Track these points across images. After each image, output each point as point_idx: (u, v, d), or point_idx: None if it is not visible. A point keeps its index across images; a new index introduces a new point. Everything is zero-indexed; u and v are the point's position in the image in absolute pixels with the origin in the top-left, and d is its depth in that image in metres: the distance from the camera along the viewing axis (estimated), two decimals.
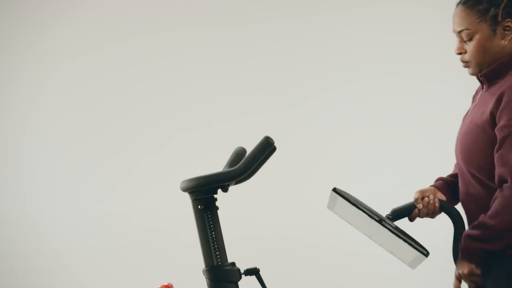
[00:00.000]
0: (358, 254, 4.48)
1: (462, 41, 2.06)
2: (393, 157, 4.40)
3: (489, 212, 1.97)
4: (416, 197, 2.16)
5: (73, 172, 4.77)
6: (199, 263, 2.21)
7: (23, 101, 4.81)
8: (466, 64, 2.09)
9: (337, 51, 4.66)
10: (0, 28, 4.82)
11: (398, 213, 2.09)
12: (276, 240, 4.58)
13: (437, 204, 2.10)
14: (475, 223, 2.01)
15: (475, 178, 2.05)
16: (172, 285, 2.32)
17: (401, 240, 1.98)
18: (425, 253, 1.98)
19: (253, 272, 2.21)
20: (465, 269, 2.04)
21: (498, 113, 1.97)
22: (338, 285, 4.40)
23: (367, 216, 1.99)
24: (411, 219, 2.17)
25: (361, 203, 2.05)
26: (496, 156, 1.96)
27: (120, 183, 4.74)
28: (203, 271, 2.18)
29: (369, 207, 2.07)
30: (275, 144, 2.16)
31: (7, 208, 4.77)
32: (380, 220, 2.00)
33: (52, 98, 4.80)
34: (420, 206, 2.09)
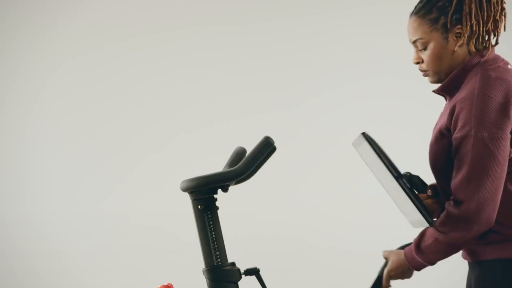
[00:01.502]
0: (358, 254, 4.48)
1: (418, 50, 2.07)
2: (393, 157, 4.40)
3: (448, 231, 1.96)
4: (430, 184, 2.15)
5: (73, 172, 4.77)
6: (199, 263, 2.21)
7: (23, 101, 4.81)
8: (425, 73, 2.09)
9: (337, 51, 4.66)
10: (0, 28, 4.83)
11: (414, 181, 2.06)
12: (276, 240, 4.58)
13: (435, 205, 2.10)
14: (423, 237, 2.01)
15: (442, 186, 2.06)
16: (172, 285, 2.32)
17: (411, 201, 1.97)
18: (430, 222, 1.97)
19: (253, 272, 2.21)
20: (406, 275, 2.12)
21: (453, 122, 1.97)
22: (338, 285, 4.40)
23: (386, 169, 1.98)
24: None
25: (385, 155, 2.02)
26: (456, 168, 1.95)
27: (120, 183, 4.74)
28: (203, 271, 2.18)
29: (391, 160, 2.04)
30: (275, 144, 2.16)
31: (7, 208, 4.77)
32: (397, 177, 1.98)
33: (52, 98, 4.80)
34: (429, 192, 2.08)
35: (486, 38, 2.03)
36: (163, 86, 4.77)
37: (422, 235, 2.04)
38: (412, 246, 2.05)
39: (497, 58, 2.04)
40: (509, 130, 1.91)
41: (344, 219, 4.43)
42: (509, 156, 1.93)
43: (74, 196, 4.75)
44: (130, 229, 4.68)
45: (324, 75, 4.68)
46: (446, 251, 2.00)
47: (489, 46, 2.03)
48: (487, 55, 2.02)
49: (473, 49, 2.02)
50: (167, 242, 4.61)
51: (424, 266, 2.07)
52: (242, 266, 2.21)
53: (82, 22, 4.80)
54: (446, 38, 2.01)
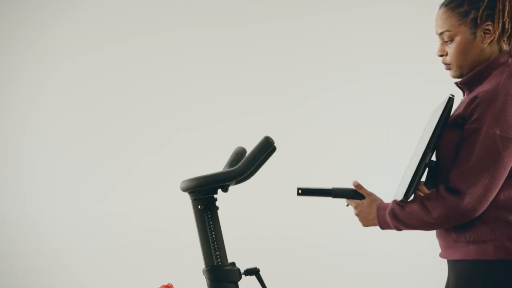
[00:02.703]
0: (358, 254, 4.48)
1: (444, 43, 2.05)
2: (393, 157, 4.40)
3: (429, 207, 1.95)
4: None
5: (73, 172, 4.76)
6: (199, 263, 2.21)
7: (23, 101, 4.81)
8: (448, 66, 2.08)
9: (337, 51, 4.66)
10: (0, 28, 4.82)
11: (432, 168, 2.04)
12: (276, 240, 4.58)
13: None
14: (413, 205, 1.99)
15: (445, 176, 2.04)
16: (172, 285, 2.32)
17: (414, 171, 1.96)
18: (406, 197, 1.97)
19: (253, 272, 2.21)
20: (367, 222, 2.11)
21: (468, 113, 1.95)
22: (338, 285, 4.40)
23: (431, 133, 1.95)
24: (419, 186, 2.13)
25: (443, 126, 1.98)
26: (460, 157, 1.94)
27: (120, 183, 4.74)
28: (203, 271, 2.18)
29: (440, 136, 2.00)
30: (275, 144, 2.16)
31: (7, 208, 4.77)
32: (429, 147, 1.95)
33: (52, 98, 4.80)
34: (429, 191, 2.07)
35: None
36: (163, 86, 4.76)
37: (402, 201, 2.04)
38: (389, 206, 2.05)
39: None
40: None
41: (344, 219, 4.42)
42: None
43: (74, 196, 4.75)
44: (130, 229, 4.68)
45: (324, 75, 4.68)
46: (416, 225, 1.99)
47: None
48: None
49: (504, 47, 2.00)
50: (167, 242, 4.61)
51: (389, 228, 2.06)
52: (242, 266, 2.21)
53: (82, 22, 4.80)
54: (474, 34, 2.00)
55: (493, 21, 1.99)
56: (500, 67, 1.99)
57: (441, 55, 2.08)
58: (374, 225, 2.11)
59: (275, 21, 4.71)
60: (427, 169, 2.03)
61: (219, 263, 2.16)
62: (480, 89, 1.97)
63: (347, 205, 2.17)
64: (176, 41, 4.76)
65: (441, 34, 2.05)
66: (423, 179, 2.05)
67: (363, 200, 2.13)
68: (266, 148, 2.15)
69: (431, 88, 4.37)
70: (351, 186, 2.18)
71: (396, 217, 2.01)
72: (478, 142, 1.90)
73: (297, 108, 4.71)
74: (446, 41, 2.04)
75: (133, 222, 4.68)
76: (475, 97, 1.95)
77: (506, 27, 1.99)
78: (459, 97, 2.14)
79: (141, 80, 4.78)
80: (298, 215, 4.53)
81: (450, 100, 1.99)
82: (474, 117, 1.93)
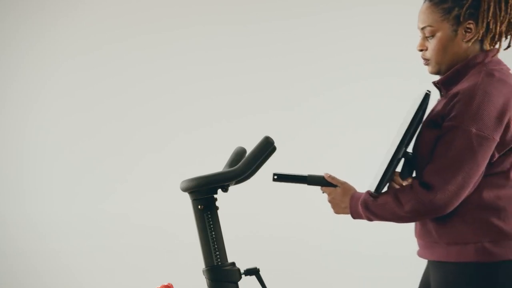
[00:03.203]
0: (358, 255, 4.48)
1: (425, 38, 2.06)
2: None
3: (402, 200, 1.95)
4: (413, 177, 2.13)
5: (73, 172, 4.76)
6: (199, 263, 2.21)
7: (23, 101, 4.81)
8: (426, 61, 2.09)
9: (337, 51, 4.66)
10: (0, 28, 4.82)
11: (408, 162, 2.04)
12: (276, 240, 4.58)
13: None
14: (385, 197, 1.99)
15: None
16: (172, 285, 2.32)
17: (386, 166, 1.97)
18: (377, 191, 1.98)
19: (253, 272, 2.21)
20: (339, 210, 2.11)
21: (447, 110, 1.96)
22: (338, 285, 4.40)
23: (405, 130, 1.97)
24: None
25: (418, 123, 1.99)
26: (435, 154, 1.94)
27: (120, 183, 4.74)
28: (203, 271, 2.18)
29: (415, 132, 2.01)
30: (275, 144, 2.16)
31: (7, 208, 4.77)
32: (402, 143, 1.96)
33: (52, 98, 4.80)
34: (405, 182, 2.06)
35: (498, 39, 2.01)
36: (163, 86, 4.76)
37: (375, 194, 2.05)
38: (362, 196, 2.05)
39: (500, 62, 2.03)
40: (498, 135, 1.90)
41: (344, 220, 4.42)
42: (492, 160, 1.92)
43: (74, 196, 4.75)
44: (130, 229, 4.68)
45: (324, 75, 4.68)
46: (387, 217, 2.00)
47: (498, 47, 2.02)
48: (492, 56, 2.01)
49: (487, 47, 2.00)
50: (167, 242, 4.61)
51: (360, 218, 2.07)
52: (242, 266, 2.21)
53: (82, 22, 4.80)
54: (456, 31, 2.00)
55: (476, 20, 1.98)
56: (477, 66, 1.99)
57: (421, 50, 2.09)
58: (345, 213, 2.12)
59: (275, 21, 4.71)
60: (402, 160, 2.03)
61: (219, 263, 2.16)
62: (459, 87, 1.98)
63: (323, 193, 2.18)
64: (176, 41, 4.76)
65: (422, 29, 2.05)
66: (399, 169, 2.05)
67: (336, 188, 2.14)
68: (266, 148, 2.15)
69: (431, 88, 4.38)
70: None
71: (368, 208, 2.02)
72: (454, 139, 1.90)
73: (297, 108, 4.71)
74: (427, 37, 2.05)
75: (133, 222, 4.68)
76: (455, 95, 1.95)
77: (491, 27, 1.99)
78: (436, 96, 2.14)
79: (141, 80, 4.78)
80: (298, 216, 4.53)
81: (427, 96, 2.00)
82: (452, 114, 1.93)
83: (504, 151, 1.93)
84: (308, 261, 4.52)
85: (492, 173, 1.94)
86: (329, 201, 2.15)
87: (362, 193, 2.07)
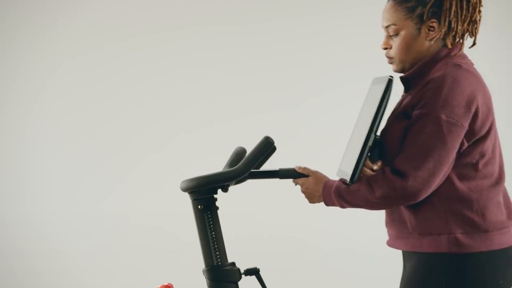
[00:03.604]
0: (358, 255, 4.48)
1: (389, 36, 2.07)
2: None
3: (374, 187, 1.96)
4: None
5: (73, 172, 4.77)
6: (199, 263, 2.21)
7: (23, 101, 4.81)
8: (390, 60, 2.10)
9: (337, 51, 4.66)
10: (0, 28, 4.82)
11: (377, 147, 2.05)
12: (276, 240, 4.58)
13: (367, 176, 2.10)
14: (357, 185, 2.00)
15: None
16: (172, 285, 2.32)
17: (358, 155, 1.98)
18: (351, 180, 1.99)
19: (253, 272, 2.21)
20: (314, 199, 2.12)
21: (417, 100, 1.97)
22: (338, 285, 4.40)
23: (372, 118, 1.98)
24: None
25: (384, 109, 2.00)
26: (406, 141, 1.95)
27: (120, 183, 4.74)
28: (203, 271, 2.18)
29: (381, 118, 2.03)
30: (275, 144, 2.16)
31: (7, 208, 4.77)
32: (371, 131, 1.97)
33: (52, 98, 4.80)
34: (376, 166, 2.06)
35: (460, 37, 2.03)
36: (163, 86, 4.76)
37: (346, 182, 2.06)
38: (335, 184, 2.06)
39: (465, 56, 2.05)
40: (466, 122, 1.91)
41: (344, 219, 4.42)
42: (462, 149, 1.93)
43: (74, 196, 4.75)
44: (130, 229, 4.68)
45: (324, 75, 4.68)
46: (360, 204, 2.00)
47: (461, 44, 2.03)
48: (456, 51, 2.02)
49: (449, 46, 2.02)
50: (167, 242, 4.61)
51: (334, 205, 2.08)
52: (242, 266, 2.21)
53: (82, 22, 4.80)
54: (419, 29, 2.02)
55: (438, 19, 2.00)
56: (443, 60, 2.01)
57: (385, 48, 2.10)
58: (320, 201, 2.13)
59: (275, 21, 4.72)
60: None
61: (219, 263, 2.16)
62: (428, 78, 1.99)
63: (296, 185, 2.18)
64: (176, 41, 4.76)
65: (387, 27, 2.07)
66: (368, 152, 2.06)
67: (308, 178, 2.15)
68: (266, 148, 2.14)
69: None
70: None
71: (341, 195, 2.03)
72: (425, 126, 1.91)
73: (297, 108, 4.71)
74: (391, 35, 2.06)
75: (133, 222, 4.68)
76: (425, 84, 1.97)
77: (452, 26, 2.01)
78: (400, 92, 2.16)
79: (141, 80, 4.78)
80: (298, 216, 4.53)
81: (390, 82, 2.01)
82: (422, 103, 1.94)
83: (473, 140, 1.94)
84: (308, 261, 4.52)
85: (462, 164, 1.95)
86: (303, 191, 2.16)
87: (335, 181, 2.09)
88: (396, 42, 2.05)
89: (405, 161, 1.93)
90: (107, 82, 4.78)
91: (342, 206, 2.06)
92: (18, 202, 4.77)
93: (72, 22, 4.81)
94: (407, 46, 2.04)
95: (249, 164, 2.13)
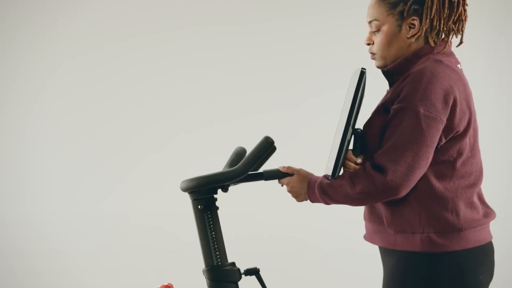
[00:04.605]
0: (358, 254, 4.48)
1: (372, 32, 2.08)
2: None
3: (355, 182, 1.96)
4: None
5: (73, 172, 4.77)
6: (199, 263, 2.21)
7: (23, 101, 4.82)
8: (373, 56, 2.11)
9: (337, 51, 4.66)
10: (0, 28, 4.83)
11: (358, 140, 2.05)
12: (276, 240, 4.58)
13: (351, 170, 2.09)
14: (340, 180, 2.00)
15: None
16: (172, 285, 2.32)
17: (337, 149, 1.98)
18: (333, 176, 1.99)
19: (253, 272, 2.21)
20: (300, 197, 2.12)
21: (396, 94, 1.97)
22: (338, 285, 4.40)
23: (348, 110, 1.98)
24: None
25: (359, 101, 2.01)
26: (386, 136, 1.95)
27: (120, 183, 4.74)
28: (203, 271, 2.18)
29: (358, 110, 2.03)
30: (275, 144, 2.16)
31: (8, 208, 4.77)
32: (348, 123, 1.97)
33: (52, 98, 4.80)
34: (359, 159, 2.06)
35: (444, 35, 2.02)
36: (163, 86, 4.77)
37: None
38: (318, 180, 2.06)
39: (451, 54, 2.04)
40: (444, 117, 1.91)
41: (344, 219, 4.43)
42: (439, 145, 1.93)
43: (74, 196, 4.75)
44: (130, 229, 4.68)
45: (324, 75, 4.68)
46: (341, 199, 2.00)
47: (446, 42, 2.02)
48: (440, 49, 2.02)
49: (431, 44, 2.01)
50: (167, 242, 4.61)
51: (318, 202, 2.07)
52: (242, 266, 2.21)
53: (82, 22, 4.80)
54: (400, 26, 2.02)
55: (419, 17, 2.00)
56: (425, 56, 2.01)
57: (368, 44, 2.11)
58: (306, 199, 2.13)
59: (275, 21, 4.72)
60: (353, 137, 2.04)
61: (219, 263, 2.15)
62: (408, 73, 1.99)
63: (282, 186, 2.18)
64: (176, 41, 4.76)
65: (370, 22, 2.07)
66: (351, 146, 2.06)
67: (293, 176, 2.14)
68: (266, 148, 2.14)
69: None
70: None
71: (324, 191, 2.03)
72: (403, 120, 1.91)
73: (297, 108, 4.71)
74: (374, 31, 2.06)
75: (133, 222, 4.69)
76: (405, 78, 1.97)
77: (434, 24, 2.00)
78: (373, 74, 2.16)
79: (141, 80, 4.78)
80: (298, 216, 4.53)
81: (362, 73, 2.02)
82: (400, 96, 1.94)
83: (450, 136, 1.94)
84: (308, 261, 4.52)
85: (439, 162, 1.95)
86: (289, 191, 2.15)
87: (319, 177, 2.08)
88: (378, 38, 2.05)
89: (384, 155, 1.92)
90: (107, 82, 4.78)
91: (326, 203, 2.05)
92: (18, 202, 4.77)
93: (72, 22, 4.81)
94: (388, 42, 2.04)
95: (249, 164, 2.13)
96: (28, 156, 4.78)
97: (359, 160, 2.02)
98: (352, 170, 2.01)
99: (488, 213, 2.00)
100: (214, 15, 4.75)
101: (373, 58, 2.11)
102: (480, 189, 2.02)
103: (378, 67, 2.12)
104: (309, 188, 2.08)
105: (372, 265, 4.43)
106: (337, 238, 4.55)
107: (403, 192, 1.92)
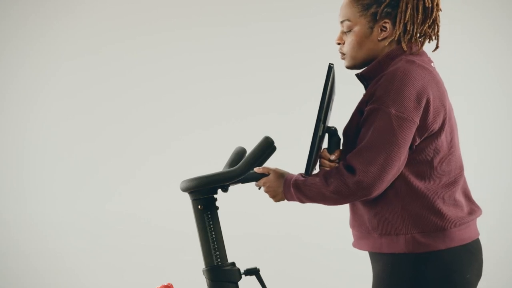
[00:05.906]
0: (358, 255, 4.47)
1: (343, 32, 2.07)
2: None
3: (328, 181, 1.96)
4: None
5: (75, 173, 4.77)
6: (199, 263, 2.21)
7: (25, 102, 4.82)
8: (343, 56, 2.11)
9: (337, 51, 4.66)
10: (0, 28, 4.83)
11: (332, 137, 2.05)
12: (276, 240, 4.58)
13: (326, 168, 2.09)
14: (316, 179, 2.00)
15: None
16: (172, 285, 2.32)
17: (310, 146, 1.98)
18: (306, 173, 2.00)
19: (253, 272, 2.21)
20: (278, 197, 2.10)
21: (369, 95, 1.97)
22: (338, 285, 4.40)
23: (319, 107, 1.97)
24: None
25: (329, 97, 2.02)
26: (359, 137, 1.96)
27: (124, 185, 4.74)
28: (203, 271, 2.18)
29: (329, 107, 2.04)
30: (275, 144, 2.16)
31: (11, 209, 4.77)
32: (319, 120, 1.97)
33: (54, 100, 4.80)
34: (333, 156, 2.06)
35: (419, 39, 2.02)
36: (164, 88, 4.77)
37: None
38: (293, 178, 2.06)
39: (423, 53, 2.04)
40: (417, 117, 1.90)
41: (344, 219, 4.43)
42: (414, 144, 1.93)
43: (77, 198, 4.76)
44: (133, 229, 4.68)
45: (324, 75, 4.68)
46: (315, 198, 2.00)
47: (418, 44, 2.02)
48: (414, 50, 2.01)
49: (404, 48, 2.00)
50: (168, 242, 4.62)
51: (294, 200, 2.07)
52: (242, 266, 2.21)
53: (83, 23, 4.80)
54: (371, 28, 2.01)
55: (392, 20, 2.00)
56: (398, 57, 2.00)
57: (339, 44, 2.11)
58: (283, 199, 2.12)
59: (276, 22, 4.72)
60: (327, 135, 2.04)
61: (219, 263, 2.16)
62: (380, 77, 1.99)
63: (259, 188, 2.17)
64: (177, 42, 4.76)
65: (341, 22, 2.07)
66: (326, 145, 2.06)
67: (269, 176, 2.13)
68: (266, 148, 2.14)
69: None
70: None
71: (299, 188, 2.03)
72: (375, 121, 1.92)
73: (297, 109, 4.71)
74: (345, 31, 2.06)
75: (136, 223, 4.69)
76: (378, 79, 1.97)
77: (408, 28, 2.00)
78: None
79: (142, 81, 4.78)
80: (298, 215, 4.53)
81: (330, 69, 2.03)
82: (373, 98, 1.95)
83: (425, 135, 1.93)
84: (307, 261, 4.52)
85: (417, 162, 1.95)
86: (266, 191, 2.14)
87: (294, 175, 2.08)
88: (349, 39, 2.05)
89: (356, 156, 1.92)
90: (109, 84, 4.79)
91: (301, 201, 2.05)
92: (21, 204, 4.78)
93: (73, 23, 4.81)
94: (358, 44, 2.03)
95: (249, 164, 2.13)
96: (30, 158, 4.79)
97: (333, 157, 2.03)
98: (327, 169, 2.01)
99: (474, 210, 2.00)
100: (214, 17, 4.75)
101: (343, 58, 2.11)
102: (466, 186, 2.02)
103: (347, 67, 2.12)
104: (285, 186, 2.08)
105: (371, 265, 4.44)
106: (337, 238, 4.55)
107: (376, 193, 1.92)
